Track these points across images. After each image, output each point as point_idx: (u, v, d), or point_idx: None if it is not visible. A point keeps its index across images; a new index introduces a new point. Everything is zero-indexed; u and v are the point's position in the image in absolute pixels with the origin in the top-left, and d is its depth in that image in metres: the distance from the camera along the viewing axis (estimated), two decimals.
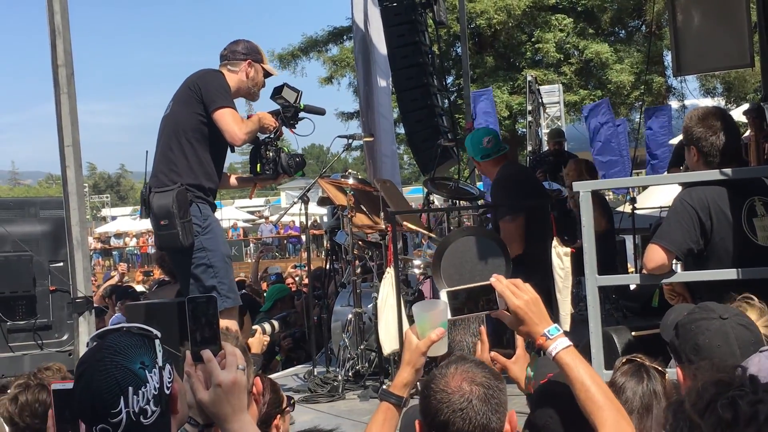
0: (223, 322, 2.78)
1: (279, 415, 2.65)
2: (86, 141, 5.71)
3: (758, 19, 6.42)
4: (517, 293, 2.09)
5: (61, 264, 6.31)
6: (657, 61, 22.58)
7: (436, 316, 2.13)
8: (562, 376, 2.05)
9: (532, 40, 22.87)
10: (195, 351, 1.77)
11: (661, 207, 8.49)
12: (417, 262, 5.92)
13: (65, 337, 6.51)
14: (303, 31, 45.38)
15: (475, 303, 2.15)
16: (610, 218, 7.33)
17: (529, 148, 16.31)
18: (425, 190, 6.54)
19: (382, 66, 9.57)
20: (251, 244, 32.41)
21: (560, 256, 4.87)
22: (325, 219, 10.44)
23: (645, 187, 13.64)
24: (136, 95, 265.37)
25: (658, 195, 11.37)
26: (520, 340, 2.46)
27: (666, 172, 8.77)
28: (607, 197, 11.46)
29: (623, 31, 25.53)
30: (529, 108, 17.26)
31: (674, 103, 23.01)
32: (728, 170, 3.39)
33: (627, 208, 7.86)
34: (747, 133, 6.73)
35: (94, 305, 5.22)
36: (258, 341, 5.84)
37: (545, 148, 14.81)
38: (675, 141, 11.97)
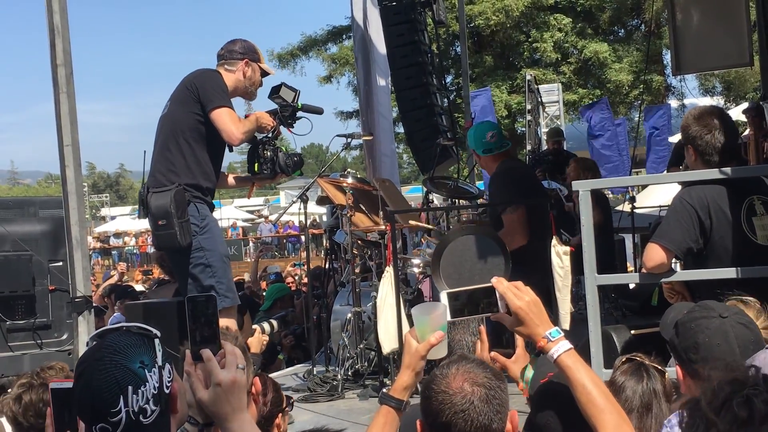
0: (223, 322, 2.77)
1: (280, 414, 2.66)
2: (85, 140, 5.71)
3: (757, 18, 6.42)
4: (518, 294, 2.09)
5: (61, 263, 6.31)
6: (656, 60, 22.62)
7: (435, 320, 2.12)
8: (562, 376, 2.04)
9: (530, 40, 22.88)
10: (195, 350, 1.78)
11: (660, 206, 8.47)
12: (416, 261, 5.91)
13: (65, 337, 6.51)
14: (302, 31, 45.56)
15: (476, 305, 2.14)
16: (605, 211, 7.27)
17: (528, 147, 16.30)
18: (424, 189, 6.53)
19: (382, 65, 9.57)
20: (250, 244, 32.41)
21: (559, 255, 4.86)
22: (325, 218, 10.45)
23: (644, 186, 13.62)
24: (136, 95, 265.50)
25: (658, 194, 11.36)
26: (520, 340, 2.45)
27: (665, 171, 8.78)
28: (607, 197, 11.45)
29: (622, 30, 25.57)
30: (528, 107, 17.24)
31: (673, 102, 22.99)
32: (727, 169, 3.39)
33: (626, 207, 7.84)
34: (746, 132, 6.74)
35: (94, 305, 5.22)
36: (257, 341, 5.85)
37: (544, 147, 14.82)
38: (674, 140, 11.98)
